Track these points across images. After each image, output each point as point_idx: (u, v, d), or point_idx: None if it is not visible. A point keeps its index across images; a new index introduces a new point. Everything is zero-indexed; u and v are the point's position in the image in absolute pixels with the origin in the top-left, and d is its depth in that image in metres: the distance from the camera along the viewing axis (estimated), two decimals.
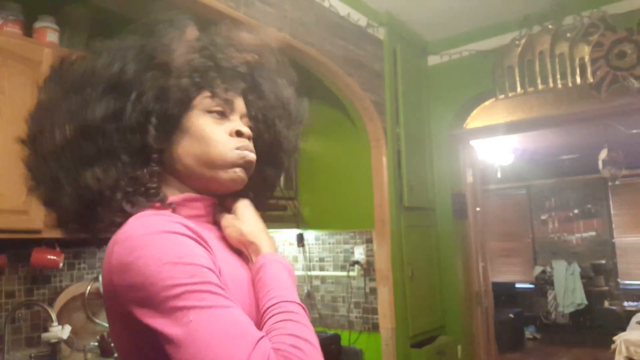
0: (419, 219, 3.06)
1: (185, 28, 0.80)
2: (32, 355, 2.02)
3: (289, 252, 3.21)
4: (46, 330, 1.98)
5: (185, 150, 0.76)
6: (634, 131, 4.97)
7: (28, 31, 1.96)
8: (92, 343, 2.15)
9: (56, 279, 2.17)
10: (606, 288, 7.00)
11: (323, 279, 3.07)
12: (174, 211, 0.73)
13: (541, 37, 2.90)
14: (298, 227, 3.04)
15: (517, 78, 2.97)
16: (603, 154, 5.77)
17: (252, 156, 0.79)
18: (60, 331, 1.93)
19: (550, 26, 2.88)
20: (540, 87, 2.91)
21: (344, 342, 2.83)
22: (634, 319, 4.77)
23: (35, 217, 1.78)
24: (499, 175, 6.03)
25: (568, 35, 2.82)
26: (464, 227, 3.31)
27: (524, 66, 2.95)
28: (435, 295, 3.11)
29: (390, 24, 2.96)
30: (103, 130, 0.71)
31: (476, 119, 3.41)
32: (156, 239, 0.62)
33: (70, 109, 0.72)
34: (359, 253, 2.92)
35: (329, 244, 3.06)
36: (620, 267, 7.00)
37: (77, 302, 2.18)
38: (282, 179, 2.89)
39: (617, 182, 6.69)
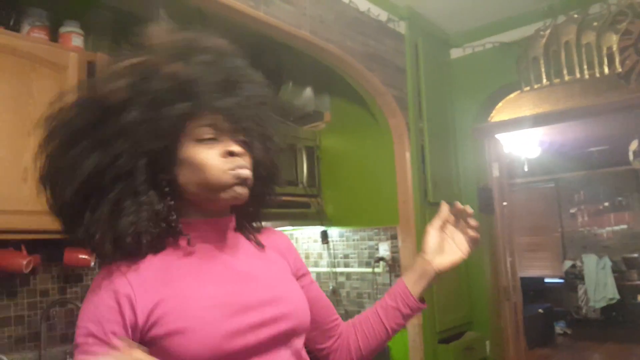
0: None
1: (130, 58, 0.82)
2: (68, 351, 2.07)
3: (313, 249, 3.22)
4: None
5: (187, 180, 0.82)
6: None
7: (54, 36, 2.02)
8: None
9: (88, 277, 2.22)
10: (639, 282, 6.84)
11: (348, 276, 3.07)
12: (188, 241, 0.84)
13: (566, 27, 2.84)
14: (322, 224, 3.05)
15: (543, 69, 2.91)
16: (633, 145, 5.62)
17: (245, 172, 0.83)
18: None
19: (575, 15, 2.81)
20: (566, 78, 2.85)
21: None
22: None
23: None
24: (526, 169, 5.93)
25: (595, 24, 2.75)
26: (491, 222, 3.26)
27: (550, 57, 2.89)
28: (462, 291, 3.08)
29: (411, 17, 2.94)
30: (105, 178, 0.78)
31: (501, 112, 3.35)
32: (88, 298, 0.79)
33: (64, 165, 0.80)
34: (384, 249, 2.91)
35: (354, 240, 3.06)
36: None
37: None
38: (304, 177, 2.91)
39: None
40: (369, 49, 2.65)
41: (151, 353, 0.72)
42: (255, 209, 0.96)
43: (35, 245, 1.93)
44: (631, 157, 5.65)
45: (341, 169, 3.05)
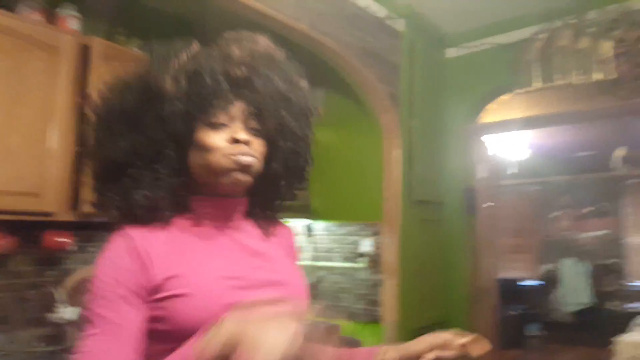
0: (429, 213, 3.05)
1: (181, 50, 0.87)
2: (39, 335, 2.05)
3: (300, 241, 3.21)
4: (54, 311, 2.02)
5: (194, 161, 0.86)
6: None
7: (50, 18, 1.97)
8: None
9: (67, 261, 2.20)
10: (614, 288, 6.95)
11: (330, 270, 3.08)
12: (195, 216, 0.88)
13: (562, 32, 2.84)
14: (307, 218, 3.05)
15: (537, 73, 2.91)
16: (619, 152, 5.70)
17: (248, 159, 0.85)
18: (68, 313, 1.96)
19: (572, 21, 2.81)
20: (559, 82, 2.86)
21: (346, 334, 2.84)
22: (637, 321, 4.74)
23: (48, 200, 1.81)
24: (512, 171, 5.97)
25: (590, 30, 2.75)
26: (474, 223, 3.29)
27: (544, 61, 2.89)
28: (440, 290, 3.11)
29: (409, 15, 2.91)
30: (132, 157, 0.84)
31: (492, 113, 3.36)
32: (105, 257, 0.82)
33: (101, 142, 0.87)
34: (367, 245, 2.92)
35: (338, 235, 3.06)
36: (629, 267, 6.95)
37: (86, 285, 2.21)
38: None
39: (632, 181, 6.61)
40: (366, 45, 2.63)
41: (153, 316, 0.79)
42: (269, 198, 0.98)
43: (14, 226, 1.90)
44: (616, 163, 5.73)
45: (329, 162, 3.04)
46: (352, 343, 2.82)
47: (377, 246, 2.87)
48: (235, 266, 0.86)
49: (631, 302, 6.61)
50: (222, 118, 0.84)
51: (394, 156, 2.82)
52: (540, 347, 6.36)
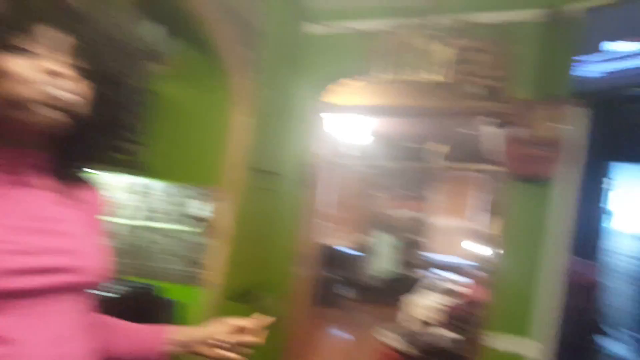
0: (267, 182, 3.10)
1: None
2: None
3: (124, 199, 2.99)
4: None
5: None
6: (463, 130, 5.58)
7: None
8: None
9: None
10: (416, 259, 8.12)
11: (156, 231, 2.94)
12: None
13: (411, 30, 3.05)
14: (139, 174, 2.85)
15: (382, 64, 3.10)
16: (433, 146, 6.51)
17: (65, 95, 0.73)
18: None
19: (420, 21, 3.03)
20: (398, 77, 3.08)
21: (165, 295, 2.78)
22: (424, 284, 5.62)
23: None
24: (349, 151, 6.35)
25: (432, 33, 2.99)
26: (308, 195, 3.44)
27: (390, 54, 3.09)
28: (267, 255, 3.21)
29: None
30: None
31: (339, 96, 3.50)
32: None
33: None
34: (198, 208, 2.85)
35: (170, 195, 2.92)
36: (430, 242, 8.26)
37: None
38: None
39: (441, 172, 7.66)
40: (230, 3, 2.54)
41: None
42: (79, 154, 0.87)
43: None
44: (430, 155, 6.56)
45: (172, 118, 2.87)
46: (168, 305, 2.76)
47: (210, 210, 2.82)
48: (12, 229, 0.74)
49: (428, 270, 7.78)
50: (28, 43, 0.70)
51: (241, 122, 2.79)
52: (352, 306, 7.13)
